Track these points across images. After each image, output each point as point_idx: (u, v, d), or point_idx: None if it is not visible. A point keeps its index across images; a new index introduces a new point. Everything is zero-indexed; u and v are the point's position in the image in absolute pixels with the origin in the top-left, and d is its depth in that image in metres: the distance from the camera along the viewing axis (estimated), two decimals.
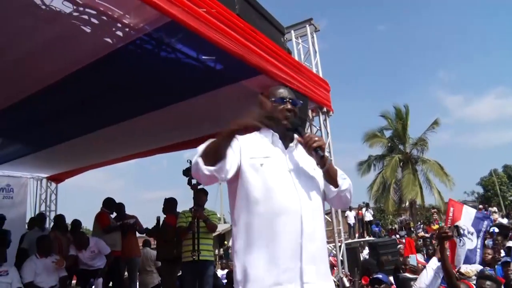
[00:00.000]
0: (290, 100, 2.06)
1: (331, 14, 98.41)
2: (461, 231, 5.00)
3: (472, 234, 4.97)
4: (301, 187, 1.91)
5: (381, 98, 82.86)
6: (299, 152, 2.04)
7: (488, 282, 3.62)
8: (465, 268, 4.50)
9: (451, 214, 5.34)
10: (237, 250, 1.86)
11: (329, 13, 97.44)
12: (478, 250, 4.94)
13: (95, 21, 3.66)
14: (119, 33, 3.94)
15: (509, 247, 7.14)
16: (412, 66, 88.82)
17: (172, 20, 3.51)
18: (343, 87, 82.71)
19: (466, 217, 5.13)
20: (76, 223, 7.93)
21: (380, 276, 4.70)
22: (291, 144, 2.03)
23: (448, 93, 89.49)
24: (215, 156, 1.79)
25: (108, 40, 4.05)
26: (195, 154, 1.81)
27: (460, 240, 4.81)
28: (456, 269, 4.72)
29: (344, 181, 2.03)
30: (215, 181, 1.87)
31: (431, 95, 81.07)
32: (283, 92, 2.11)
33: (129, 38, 4.05)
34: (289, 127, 2.02)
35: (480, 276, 3.88)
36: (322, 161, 1.95)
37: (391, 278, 5.44)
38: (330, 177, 2.00)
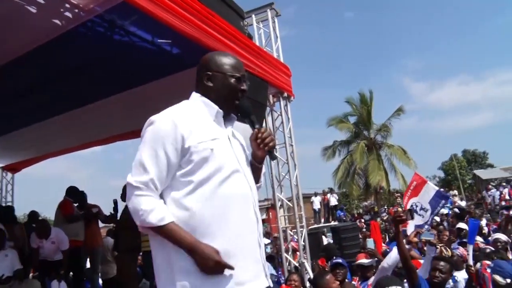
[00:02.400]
0: (245, 81, 1.87)
1: (298, 0, 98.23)
2: (413, 209, 5.21)
3: (426, 211, 5.19)
4: (247, 173, 1.83)
5: (347, 85, 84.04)
6: (235, 136, 1.91)
7: (442, 263, 3.73)
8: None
9: (412, 188, 5.56)
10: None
11: (296, 0, 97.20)
12: (426, 226, 5.18)
13: (41, 0, 3.47)
14: (68, 14, 3.75)
15: (459, 228, 7.43)
16: (378, 53, 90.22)
17: (123, 1, 3.37)
18: (310, 74, 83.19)
19: (425, 194, 5.33)
20: (34, 214, 7.68)
21: (340, 260, 4.78)
22: (230, 127, 1.88)
23: (413, 80, 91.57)
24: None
25: (57, 21, 3.86)
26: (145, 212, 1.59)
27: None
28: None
29: (262, 179, 2.02)
30: None
31: (396, 82, 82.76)
32: (239, 67, 1.86)
33: (79, 19, 3.87)
34: (238, 112, 1.89)
35: (435, 257, 3.99)
36: (262, 159, 1.92)
37: None
38: (258, 173, 1.94)
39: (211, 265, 1.56)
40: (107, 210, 7.30)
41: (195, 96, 1.87)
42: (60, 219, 6.78)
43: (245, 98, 1.89)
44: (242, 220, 1.70)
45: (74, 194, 7.06)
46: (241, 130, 2.01)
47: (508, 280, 3.71)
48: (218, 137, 1.74)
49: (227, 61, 1.85)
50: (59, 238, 6.19)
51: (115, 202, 6.38)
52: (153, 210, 1.59)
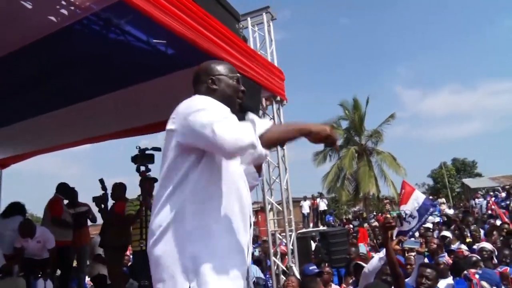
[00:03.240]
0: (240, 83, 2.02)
1: (295, 4, 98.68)
2: (404, 216, 5.33)
3: (414, 218, 5.29)
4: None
5: (341, 90, 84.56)
6: None
7: (428, 270, 3.79)
8: None
9: (401, 196, 5.70)
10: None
11: (292, 4, 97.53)
12: (410, 233, 5.30)
13: None
14: (64, 11, 3.74)
15: (443, 236, 7.50)
16: (372, 60, 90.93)
17: (119, 0, 3.38)
18: (304, 79, 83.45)
19: (413, 202, 5.44)
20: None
21: (316, 270, 4.85)
22: None
23: (406, 88, 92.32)
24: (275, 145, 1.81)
25: (52, 18, 3.84)
26: (248, 137, 1.59)
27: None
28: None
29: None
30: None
31: (389, 90, 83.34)
32: (234, 70, 2.01)
33: (74, 17, 3.87)
34: (241, 110, 1.95)
35: (422, 264, 4.04)
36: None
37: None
38: (260, 164, 2.06)
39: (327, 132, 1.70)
40: (96, 209, 7.26)
41: None
42: (48, 219, 6.67)
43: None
44: (243, 216, 1.78)
45: (64, 191, 6.97)
46: None
47: None
48: None
49: (224, 65, 2.01)
50: (45, 237, 6.05)
51: (102, 181, 6.31)
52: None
